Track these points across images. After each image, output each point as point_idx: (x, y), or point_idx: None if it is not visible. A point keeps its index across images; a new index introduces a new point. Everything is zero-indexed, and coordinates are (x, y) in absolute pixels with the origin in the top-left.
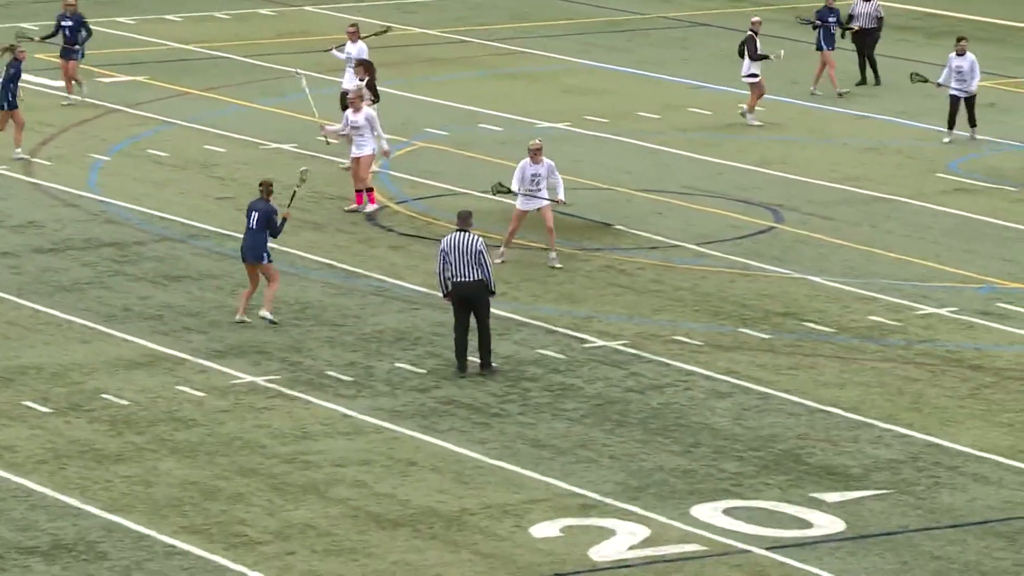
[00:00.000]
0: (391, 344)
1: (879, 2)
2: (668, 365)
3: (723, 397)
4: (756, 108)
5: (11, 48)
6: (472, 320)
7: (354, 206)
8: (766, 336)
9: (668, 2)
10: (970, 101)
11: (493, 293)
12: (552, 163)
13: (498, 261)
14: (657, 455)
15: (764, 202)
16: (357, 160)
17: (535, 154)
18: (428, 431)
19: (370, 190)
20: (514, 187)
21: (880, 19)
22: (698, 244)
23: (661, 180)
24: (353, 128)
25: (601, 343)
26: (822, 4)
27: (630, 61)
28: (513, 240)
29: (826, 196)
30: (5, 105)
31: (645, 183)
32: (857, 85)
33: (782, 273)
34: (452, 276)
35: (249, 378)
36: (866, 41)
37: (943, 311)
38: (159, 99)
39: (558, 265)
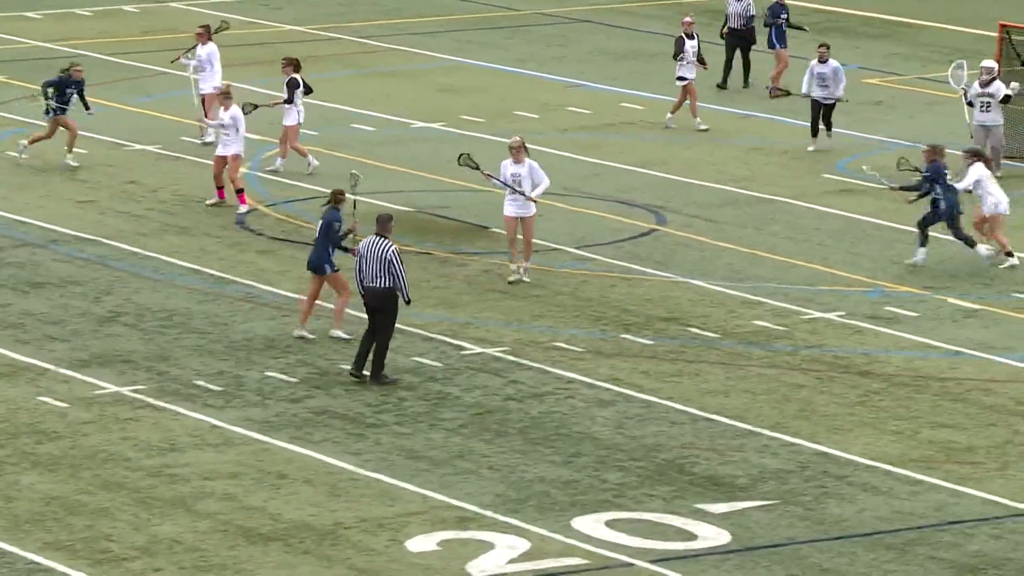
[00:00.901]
0: (261, 352)
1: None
2: (548, 373)
3: (605, 405)
4: (670, 114)
5: (69, 68)
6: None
7: (215, 199)
8: (649, 342)
9: None
10: (830, 108)
11: (408, 302)
12: (535, 163)
13: (511, 279)
14: (537, 466)
15: (646, 204)
16: (222, 159)
17: (516, 152)
18: (300, 442)
19: (240, 191)
20: (497, 184)
21: (751, 18)
22: (578, 248)
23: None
24: (220, 126)
25: (479, 350)
26: (772, 0)
27: (507, 59)
28: (514, 250)
29: (710, 197)
30: (53, 111)
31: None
32: (718, 87)
33: (665, 277)
34: (364, 280)
35: (114, 388)
36: (739, 42)
37: (830, 315)
38: (19, 99)
39: (526, 279)
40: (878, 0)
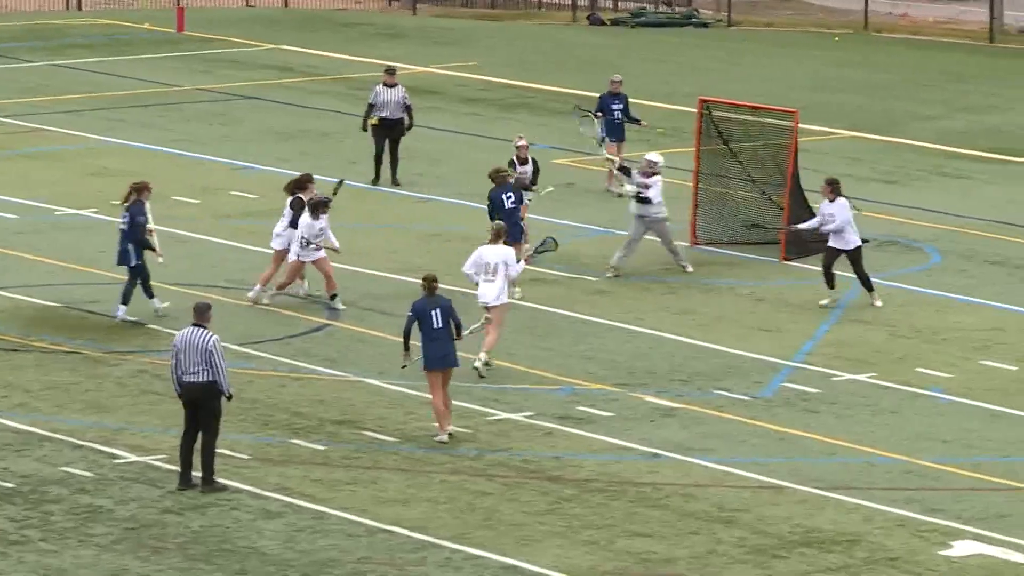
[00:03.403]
0: None
1: (404, 90)
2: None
3: (273, 517)
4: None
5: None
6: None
7: None
8: (321, 447)
9: (207, 73)
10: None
11: (229, 397)
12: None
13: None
14: None
15: (316, 296)
16: None
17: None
18: None
19: None
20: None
21: (408, 107)
22: (242, 345)
23: (198, 273)
24: None
25: (134, 458)
26: (604, 90)
27: (164, 139)
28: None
29: (384, 288)
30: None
31: (179, 276)
32: (373, 183)
33: (338, 376)
34: (182, 375)
35: None
36: (391, 133)
37: (518, 416)
38: None
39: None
40: (567, 74)
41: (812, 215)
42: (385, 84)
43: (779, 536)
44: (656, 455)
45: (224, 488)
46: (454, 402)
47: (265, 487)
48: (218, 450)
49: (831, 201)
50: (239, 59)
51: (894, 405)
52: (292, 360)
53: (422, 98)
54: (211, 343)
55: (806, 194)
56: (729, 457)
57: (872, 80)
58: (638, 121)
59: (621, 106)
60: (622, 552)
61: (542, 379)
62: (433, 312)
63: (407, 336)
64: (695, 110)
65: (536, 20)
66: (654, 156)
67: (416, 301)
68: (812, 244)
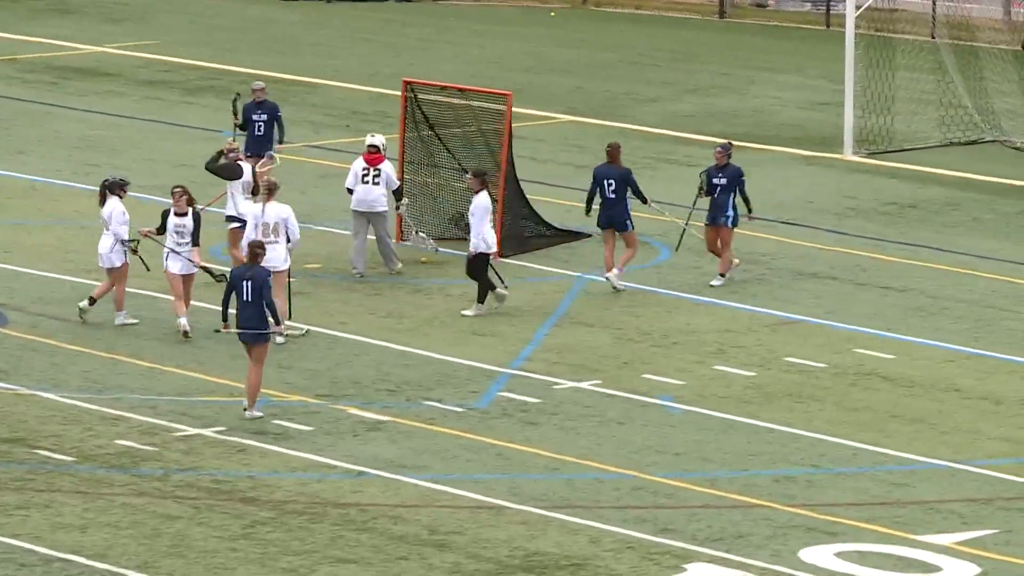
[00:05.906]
0: None
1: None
2: None
3: None
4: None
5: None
6: None
7: None
8: None
9: None
10: None
11: None
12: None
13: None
14: None
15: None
16: None
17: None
18: None
19: None
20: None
21: None
22: None
23: None
24: None
25: None
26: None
27: None
28: None
29: (61, 292)
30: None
31: None
32: None
33: (7, 389)
34: None
35: None
36: None
37: (208, 432)
38: None
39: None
40: (259, 54)
41: (529, 206)
42: None
43: (497, 560)
44: (361, 473)
45: None
46: (133, 415)
47: None
48: None
49: (476, 192)
50: None
51: (621, 415)
52: None
53: (96, 81)
54: None
55: (522, 184)
56: (442, 474)
57: (592, 59)
58: (281, 140)
59: (265, 117)
60: None
61: (234, 391)
62: (245, 283)
63: (225, 303)
64: (399, 93)
65: None
66: (376, 139)
67: (235, 267)
68: (531, 240)
